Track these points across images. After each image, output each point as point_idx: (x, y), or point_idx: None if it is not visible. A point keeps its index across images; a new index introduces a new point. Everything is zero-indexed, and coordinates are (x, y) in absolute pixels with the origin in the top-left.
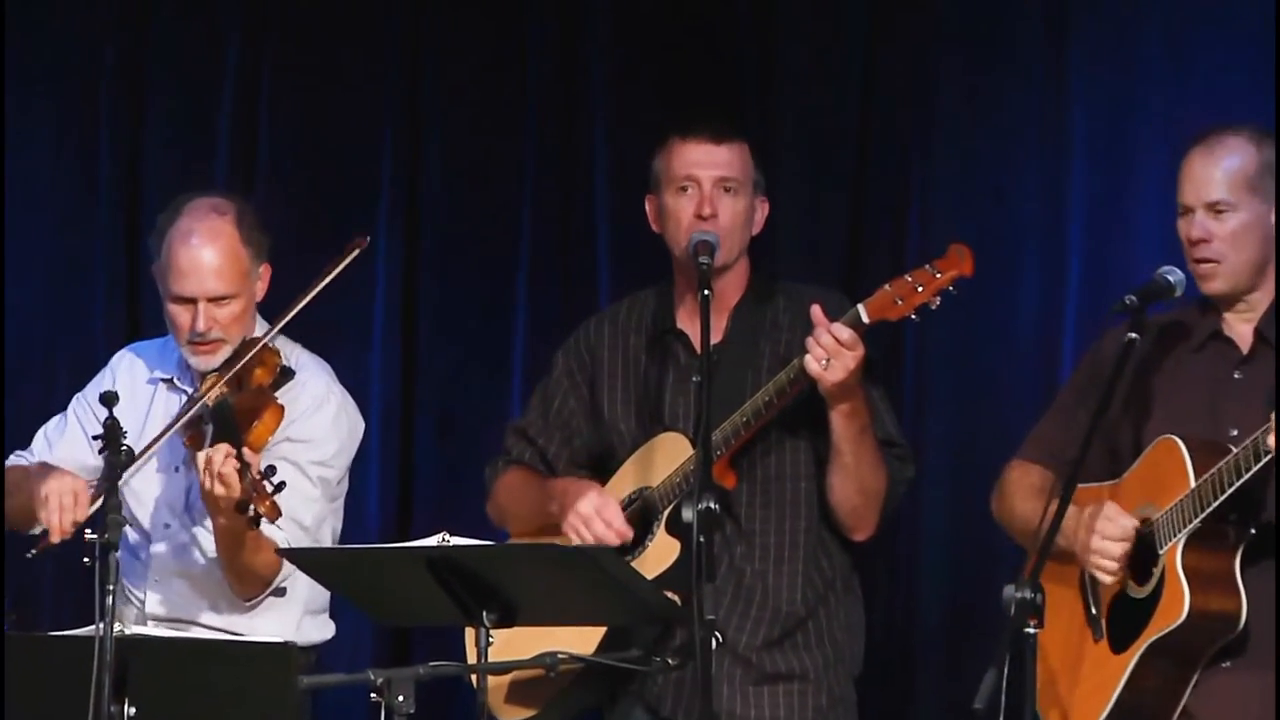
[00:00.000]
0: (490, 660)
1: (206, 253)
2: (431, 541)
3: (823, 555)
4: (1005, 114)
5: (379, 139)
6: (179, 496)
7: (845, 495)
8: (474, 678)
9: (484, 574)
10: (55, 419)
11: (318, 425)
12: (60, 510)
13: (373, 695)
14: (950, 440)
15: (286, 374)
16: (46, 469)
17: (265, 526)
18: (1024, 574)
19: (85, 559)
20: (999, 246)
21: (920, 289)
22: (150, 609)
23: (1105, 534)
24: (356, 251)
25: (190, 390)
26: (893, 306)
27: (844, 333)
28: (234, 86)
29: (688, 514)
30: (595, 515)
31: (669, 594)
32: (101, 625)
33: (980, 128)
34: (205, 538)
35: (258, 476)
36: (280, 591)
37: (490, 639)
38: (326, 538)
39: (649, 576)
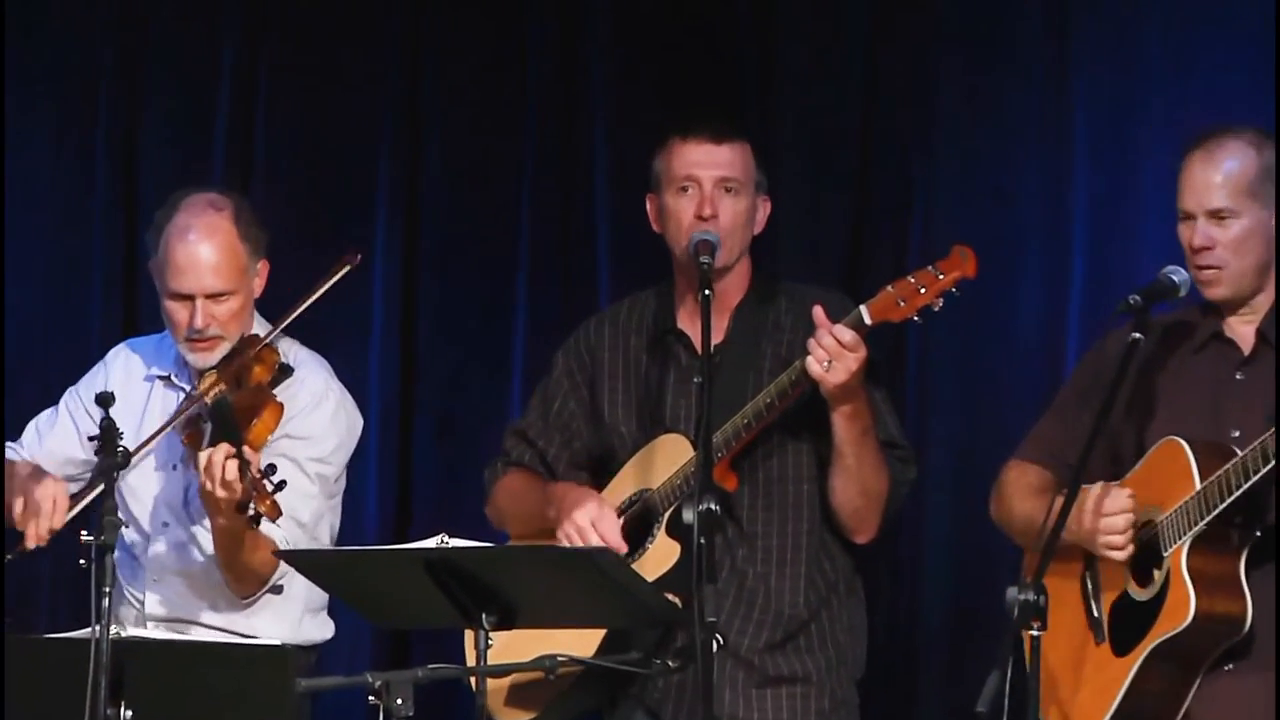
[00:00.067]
0: (489, 663)
1: (204, 249)
2: (430, 543)
3: (825, 558)
4: (1006, 114)
5: (378, 139)
6: (177, 495)
7: (847, 497)
8: (473, 680)
9: (483, 576)
10: (47, 411)
11: (316, 422)
12: (37, 517)
13: (371, 698)
14: (953, 442)
15: (285, 371)
16: (30, 472)
17: (264, 524)
18: (1024, 575)
19: (81, 561)
20: (1001, 247)
21: (923, 290)
22: (150, 609)
23: (1106, 510)
24: (347, 268)
25: (188, 387)
26: (895, 308)
27: (846, 334)
28: (231, 86)
29: (688, 516)
30: (590, 527)
31: (669, 596)
32: (98, 627)
33: (981, 128)
34: (204, 536)
35: (258, 475)
36: (277, 589)
37: (489, 641)
38: (324, 535)
39: (650, 579)
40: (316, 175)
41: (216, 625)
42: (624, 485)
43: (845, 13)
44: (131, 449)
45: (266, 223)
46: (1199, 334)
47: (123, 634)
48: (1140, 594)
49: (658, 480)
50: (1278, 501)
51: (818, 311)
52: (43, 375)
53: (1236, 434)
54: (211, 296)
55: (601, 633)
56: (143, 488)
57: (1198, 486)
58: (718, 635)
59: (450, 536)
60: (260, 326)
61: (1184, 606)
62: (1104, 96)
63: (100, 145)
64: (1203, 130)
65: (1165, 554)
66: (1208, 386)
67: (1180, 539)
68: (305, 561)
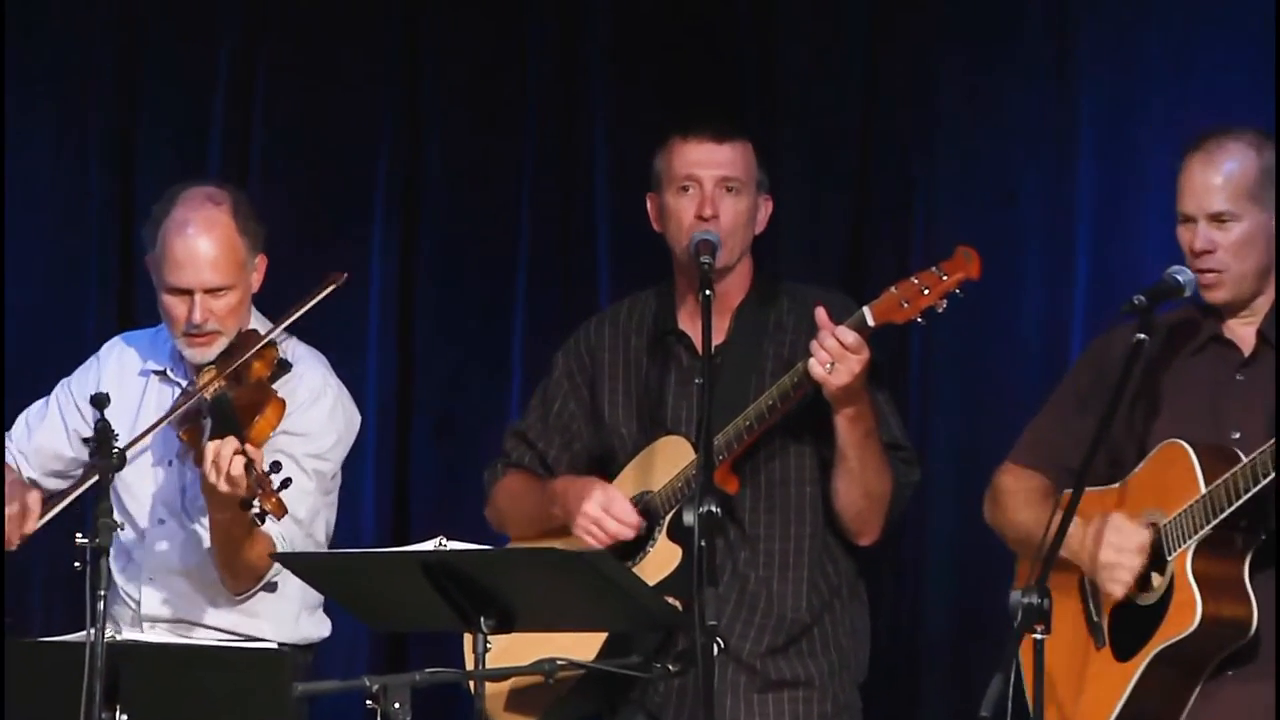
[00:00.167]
0: (488, 667)
1: (203, 243)
2: (428, 545)
3: (828, 561)
4: (1008, 114)
5: (377, 139)
6: (174, 492)
7: (850, 500)
8: (472, 684)
9: (481, 579)
10: (38, 404)
11: (314, 418)
12: (7, 521)
13: (369, 702)
14: (956, 444)
15: (284, 367)
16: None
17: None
18: (1016, 580)
19: (76, 564)
20: (1003, 247)
21: (926, 292)
22: (146, 608)
23: (1122, 546)
24: (332, 287)
25: (184, 383)
26: (898, 309)
27: (849, 336)
28: (228, 86)
29: (689, 518)
30: (604, 514)
31: (670, 600)
32: (93, 631)
33: (982, 127)
34: (201, 533)
35: (263, 473)
36: (272, 586)
37: (488, 645)
38: (320, 531)
39: (651, 582)
40: (314, 175)
41: (214, 624)
42: (624, 487)
43: (846, 12)
44: (129, 447)
45: (264, 220)
46: (1198, 335)
47: (118, 636)
48: (1143, 598)
49: (658, 482)
50: (1277, 508)
51: (820, 313)
52: (39, 375)
53: (1236, 435)
54: (210, 291)
55: (602, 637)
56: (138, 484)
57: (1203, 490)
58: (719, 639)
59: (448, 539)
60: (258, 321)
61: (1190, 610)
62: (1106, 96)
63: (95, 145)
64: (1202, 131)
65: (1169, 558)
66: (1208, 388)
67: (1185, 542)
68: (302, 564)
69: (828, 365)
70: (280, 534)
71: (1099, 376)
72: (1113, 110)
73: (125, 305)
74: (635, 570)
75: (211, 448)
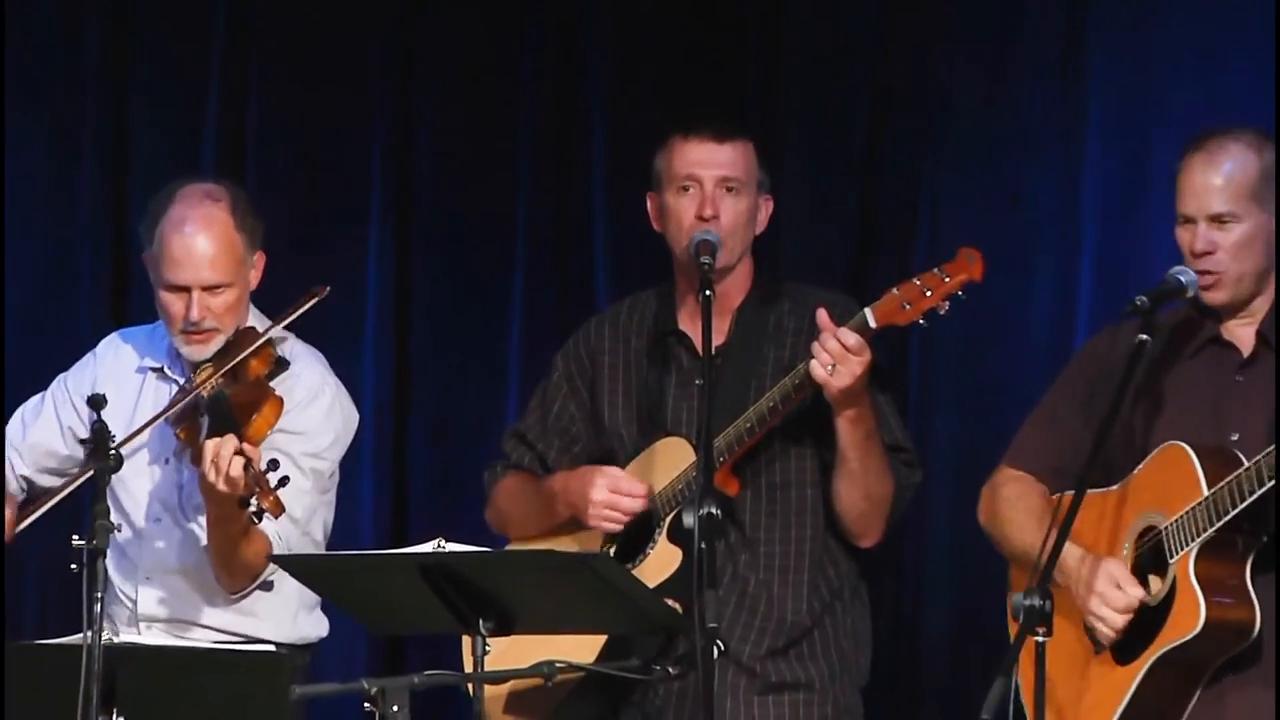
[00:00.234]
0: (487, 669)
1: (201, 240)
2: (426, 548)
3: (829, 563)
4: (1015, 115)
5: (372, 139)
6: (170, 490)
7: (851, 502)
8: (470, 687)
9: (480, 581)
10: (33, 400)
11: (312, 417)
12: None
13: (367, 704)
14: (957, 446)
15: (282, 365)
16: None
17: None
18: (1011, 584)
19: (73, 565)
20: (1007, 249)
21: (929, 293)
22: (143, 608)
23: (1110, 603)
24: (314, 301)
25: (181, 380)
26: (901, 311)
27: (850, 338)
28: (221, 86)
29: (689, 520)
30: (615, 495)
31: (670, 602)
32: (90, 634)
33: (988, 128)
34: (197, 532)
35: (261, 471)
36: (268, 585)
37: (487, 648)
38: (317, 530)
39: (651, 585)
40: (310, 176)
41: (211, 624)
42: None
43: (850, 11)
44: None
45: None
46: (1195, 337)
47: (115, 638)
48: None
49: (659, 484)
50: (1277, 513)
51: (822, 314)
52: (34, 375)
53: (1235, 437)
54: (208, 289)
55: (602, 639)
56: (135, 481)
57: (1205, 492)
58: (719, 642)
59: (447, 541)
60: (256, 319)
61: (1194, 613)
62: (1112, 97)
63: (89, 145)
64: (1202, 132)
65: (1171, 560)
66: (1207, 390)
67: (1188, 545)
68: (300, 566)
69: (829, 367)
70: (277, 533)
71: (1094, 378)
72: (1119, 112)
73: (119, 305)
74: (635, 572)
75: (210, 446)
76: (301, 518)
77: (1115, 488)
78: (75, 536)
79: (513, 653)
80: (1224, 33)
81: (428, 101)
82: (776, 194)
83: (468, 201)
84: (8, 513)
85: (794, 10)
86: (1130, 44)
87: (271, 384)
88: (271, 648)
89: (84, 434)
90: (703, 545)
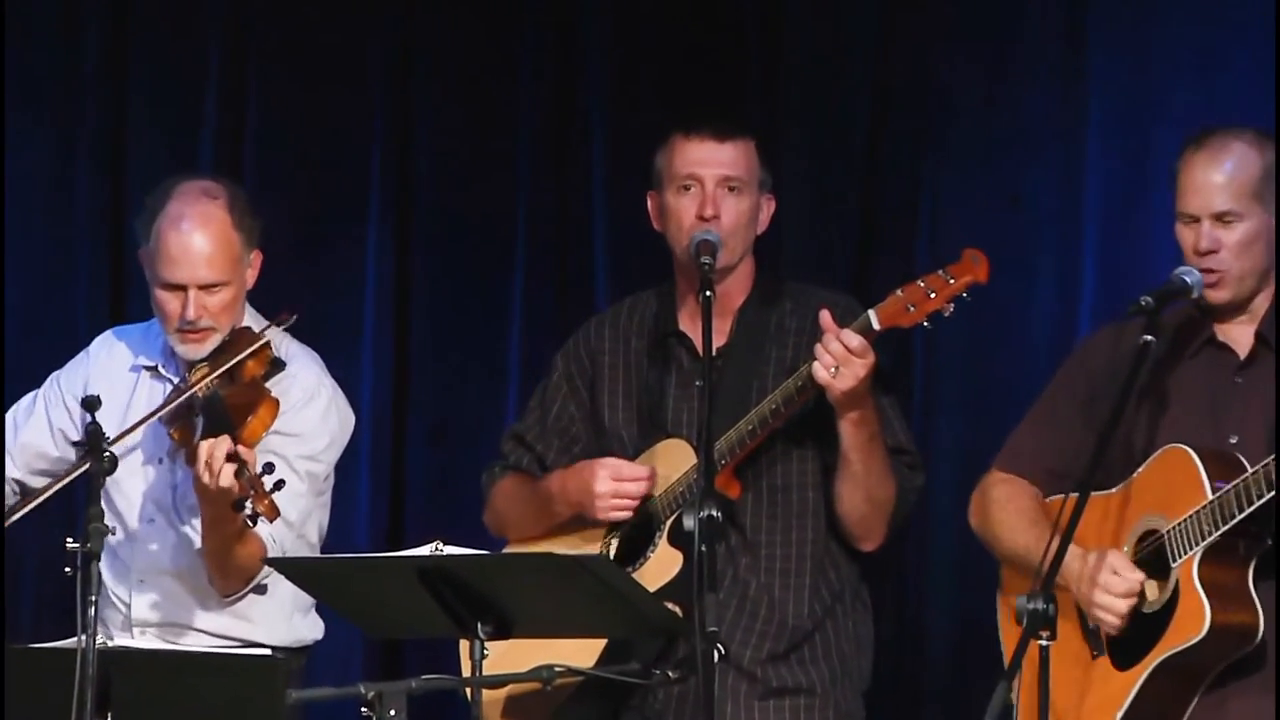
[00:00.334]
0: (485, 673)
1: (198, 238)
2: (424, 550)
3: (830, 566)
4: (1017, 115)
5: (371, 139)
6: (164, 490)
7: (853, 505)
8: (468, 691)
9: (478, 584)
10: (25, 400)
11: (308, 419)
12: None
13: (364, 709)
14: (960, 448)
15: (277, 365)
16: None
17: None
18: (1002, 586)
19: (67, 569)
20: (1009, 249)
21: (933, 295)
22: (136, 614)
23: (1111, 589)
24: (284, 327)
25: (175, 379)
26: (905, 313)
27: (854, 340)
28: (219, 86)
29: (690, 523)
30: (619, 484)
31: (670, 606)
32: (84, 638)
33: (991, 128)
34: (191, 534)
35: (256, 474)
36: (261, 589)
37: (485, 652)
38: (312, 533)
39: (650, 588)
40: (308, 176)
41: (205, 628)
42: None
43: (851, 11)
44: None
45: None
46: (1194, 338)
47: (109, 642)
48: (1146, 605)
49: (659, 487)
50: (1277, 518)
51: (825, 316)
52: (31, 375)
53: (1234, 440)
54: (204, 287)
55: (601, 643)
56: (128, 482)
57: (1209, 496)
58: (719, 645)
59: (445, 543)
60: (252, 318)
61: (1198, 618)
62: (1114, 97)
63: (86, 146)
64: (1202, 131)
65: (1174, 564)
66: (1206, 391)
67: (1192, 549)
68: (296, 569)
69: (832, 369)
70: (271, 535)
71: (1095, 379)
72: (1119, 112)
73: (118, 305)
74: (635, 576)
75: (204, 448)
76: (296, 521)
77: (1115, 490)
78: (69, 539)
79: (511, 656)
80: (1224, 33)
81: (428, 101)
82: (779, 194)
83: (468, 201)
84: None
85: (794, 10)
86: (1130, 44)
87: (267, 385)
88: (266, 651)
89: (75, 436)
90: (703, 548)
